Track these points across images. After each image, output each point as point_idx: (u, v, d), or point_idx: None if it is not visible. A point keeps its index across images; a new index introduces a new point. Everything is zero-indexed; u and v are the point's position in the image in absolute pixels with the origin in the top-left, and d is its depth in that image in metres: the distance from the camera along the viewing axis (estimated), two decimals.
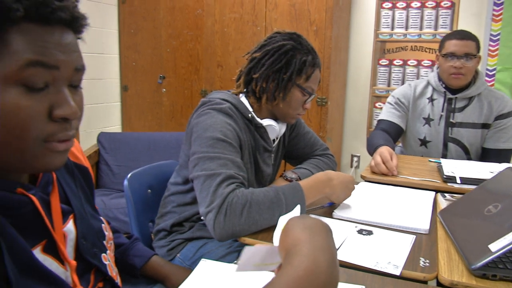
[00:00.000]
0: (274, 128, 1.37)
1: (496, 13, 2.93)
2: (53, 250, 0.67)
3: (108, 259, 0.82)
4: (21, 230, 0.61)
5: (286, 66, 1.27)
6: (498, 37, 2.94)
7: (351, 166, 3.42)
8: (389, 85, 3.19)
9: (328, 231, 0.57)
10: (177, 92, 3.36)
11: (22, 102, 0.56)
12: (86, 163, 0.89)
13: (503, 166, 1.67)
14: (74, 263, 0.70)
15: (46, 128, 0.59)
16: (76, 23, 0.63)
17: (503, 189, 1.10)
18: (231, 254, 1.21)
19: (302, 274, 0.47)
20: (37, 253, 0.64)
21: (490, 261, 0.88)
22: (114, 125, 3.59)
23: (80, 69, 0.64)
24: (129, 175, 1.42)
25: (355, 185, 1.27)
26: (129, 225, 1.42)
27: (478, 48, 1.94)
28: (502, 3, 2.90)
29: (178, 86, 3.35)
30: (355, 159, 3.39)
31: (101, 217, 0.89)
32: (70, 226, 0.73)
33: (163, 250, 1.33)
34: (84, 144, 3.01)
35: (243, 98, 1.34)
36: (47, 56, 0.57)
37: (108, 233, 0.87)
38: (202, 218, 1.12)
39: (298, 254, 0.50)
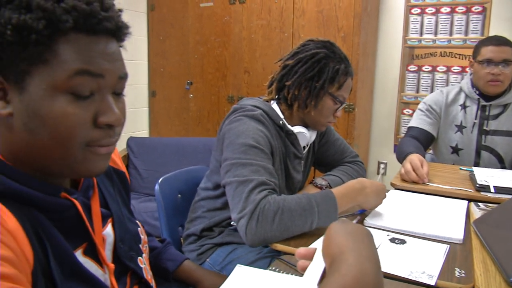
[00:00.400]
0: (304, 135, 1.37)
1: None
2: (93, 253, 0.69)
3: (144, 262, 0.84)
4: (64, 233, 0.63)
5: (318, 74, 1.27)
6: None
7: (378, 173, 3.37)
8: (417, 91, 3.14)
9: (370, 237, 0.57)
10: (204, 98, 3.40)
11: (69, 109, 0.58)
12: (123, 168, 0.91)
13: None
14: (112, 266, 0.72)
15: (90, 134, 0.61)
16: (120, 32, 0.65)
17: None
18: (261, 259, 1.21)
19: (351, 282, 0.48)
20: (79, 255, 0.66)
21: None
22: (142, 130, 3.66)
23: (123, 77, 0.66)
24: (160, 180, 1.45)
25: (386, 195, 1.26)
26: (158, 228, 1.45)
27: None
28: None
29: (205, 92, 3.38)
30: (382, 166, 3.34)
31: (137, 221, 0.91)
32: (109, 229, 0.75)
33: (193, 254, 1.34)
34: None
35: (274, 105, 1.35)
36: (93, 65, 0.59)
37: (143, 236, 0.89)
38: (233, 223, 1.13)
39: (344, 263, 0.50)
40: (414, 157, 1.65)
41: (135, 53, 3.53)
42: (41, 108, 0.57)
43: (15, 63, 0.56)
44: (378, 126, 3.34)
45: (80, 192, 0.71)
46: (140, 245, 0.85)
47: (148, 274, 0.84)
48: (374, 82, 3.30)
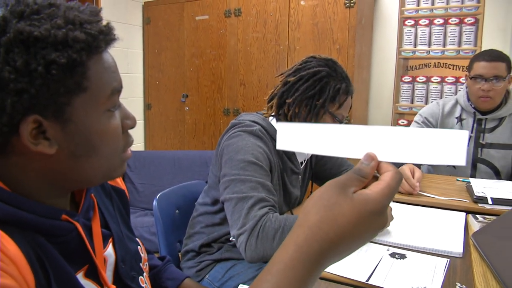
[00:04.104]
0: None
1: None
2: (94, 274, 0.68)
3: (145, 281, 0.83)
4: (65, 256, 0.62)
5: (319, 92, 1.27)
6: None
7: None
8: (412, 102, 3.17)
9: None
10: (199, 111, 3.40)
11: (112, 125, 0.63)
12: (123, 186, 0.91)
13: None
14: (113, 287, 0.71)
15: (123, 141, 0.66)
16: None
17: None
18: None
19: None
20: (80, 278, 0.65)
21: None
22: (138, 143, 3.65)
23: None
24: (158, 195, 1.44)
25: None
26: (154, 243, 1.44)
27: (509, 69, 1.89)
28: None
29: (201, 105, 3.39)
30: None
31: (137, 239, 0.90)
32: (110, 250, 0.75)
33: (191, 270, 1.33)
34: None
35: (273, 121, 1.35)
36: (118, 80, 0.64)
37: (143, 254, 0.88)
38: (232, 239, 1.12)
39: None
40: (405, 167, 1.66)
41: (130, 66, 3.54)
42: (90, 132, 0.60)
43: (53, 99, 0.55)
44: None
45: (80, 214, 0.70)
46: (141, 264, 0.85)
47: None
48: (369, 93, 3.32)
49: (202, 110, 3.38)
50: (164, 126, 3.60)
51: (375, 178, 0.49)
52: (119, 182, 0.89)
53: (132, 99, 3.60)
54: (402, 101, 3.20)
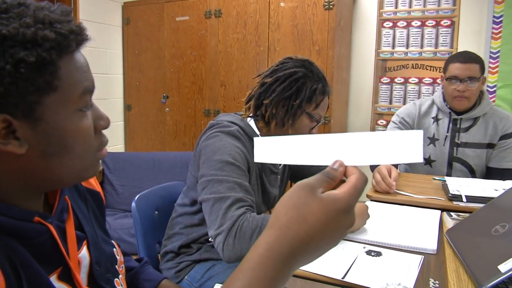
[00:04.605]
0: None
1: (496, 31, 2.97)
2: (68, 277, 0.68)
3: (120, 283, 0.82)
4: (38, 258, 0.62)
5: (296, 93, 1.28)
6: (498, 54, 2.98)
7: None
8: (391, 102, 3.22)
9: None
10: (180, 112, 3.39)
11: (83, 124, 0.62)
12: (98, 188, 0.90)
13: (508, 183, 1.68)
14: None
15: (96, 141, 0.66)
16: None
17: (510, 208, 1.10)
18: None
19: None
20: (53, 280, 0.64)
21: (500, 282, 0.88)
22: (118, 145, 3.62)
23: None
24: (136, 196, 1.43)
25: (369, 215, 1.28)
26: (134, 245, 1.43)
27: (482, 70, 1.93)
28: (501, 21, 2.94)
29: (182, 106, 3.38)
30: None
31: (113, 241, 0.89)
32: (84, 252, 0.74)
33: (170, 272, 1.33)
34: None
35: (251, 122, 1.36)
36: (90, 80, 0.63)
37: (119, 257, 0.88)
38: (211, 240, 1.12)
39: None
40: (382, 167, 1.69)
41: (110, 67, 3.50)
42: (62, 131, 0.59)
43: (23, 98, 0.55)
44: None
45: (54, 216, 0.69)
46: (116, 266, 0.84)
47: None
48: (348, 94, 3.36)
49: (183, 111, 3.37)
50: (145, 127, 3.57)
51: (342, 181, 0.52)
52: (94, 184, 0.89)
53: (112, 100, 3.56)
54: (381, 101, 3.25)
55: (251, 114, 1.35)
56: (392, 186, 1.61)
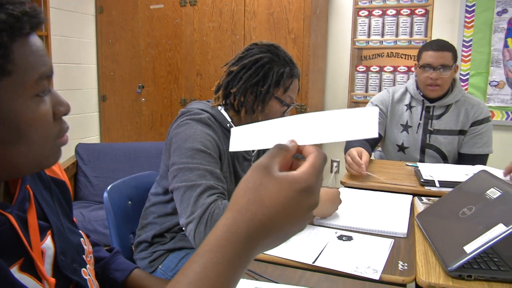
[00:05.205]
0: None
1: (468, 20, 3.02)
2: (31, 268, 0.66)
3: (88, 273, 0.81)
4: None
5: (263, 79, 1.27)
6: (470, 43, 3.03)
7: (331, 171, 3.45)
8: (366, 91, 3.24)
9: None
10: (156, 101, 3.34)
11: (40, 111, 0.60)
12: (64, 177, 0.88)
13: (478, 168, 1.71)
14: (53, 280, 0.69)
15: (55, 128, 0.64)
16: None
17: (477, 191, 1.13)
18: None
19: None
20: (14, 272, 0.63)
21: (466, 262, 0.91)
22: (93, 136, 3.55)
23: None
24: (108, 187, 1.41)
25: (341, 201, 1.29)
26: (109, 237, 1.41)
27: (455, 58, 1.96)
28: (473, 10, 2.99)
29: (157, 95, 3.33)
30: (335, 164, 3.42)
31: (80, 231, 0.88)
32: (48, 242, 0.72)
33: (144, 262, 1.32)
34: (61, 156, 2.94)
35: (222, 110, 1.35)
36: (47, 65, 0.61)
37: (87, 247, 0.86)
38: (183, 229, 1.11)
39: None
40: (352, 150, 1.74)
41: (83, 57, 3.42)
42: (17, 117, 0.57)
43: None
44: None
45: (14, 205, 0.68)
46: (84, 256, 0.83)
47: (93, 286, 0.82)
48: (325, 82, 3.37)
49: (159, 101, 3.33)
50: (120, 118, 3.52)
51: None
52: (60, 173, 0.87)
53: (86, 90, 3.48)
54: (357, 90, 3.27)
55: (221, 104, 1.34)
56: (362, 166, 1.63)
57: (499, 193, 1.05)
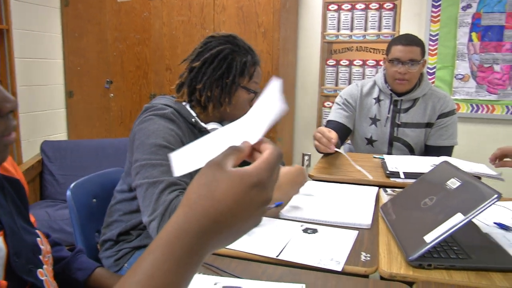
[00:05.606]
0: None
1: (435, 14, 3.08)
2: None
3: (45, 274, 0.78)
4: None
5: (227, 70, 1.27)
6: (437, 37, 3.10)
7: (303, 165, 3.48)
8: (336, 84, 3.27)
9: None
10: (125, 97, 3.28)
11: None
12: (18, 175, 0.85)
13: (442, 159, 1.75)
14: (4, 283, 0.67)
15: (2, 125, 0.62)
16: None
17: (438, 182, 1.15)
18: None
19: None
20: None
21: (426, 251, 0.93)
22: (60, 133, 3.45)
23: None
24: (72, 185, 1.38)
25: (306, 178, 1.29)
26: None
27: (423, 52, 1.99)
28: (439, 5, 3.06)
29: (127, 91, 3.27)
30: (306, 157, 3.45)
31: (37, 231, 0.85)
32: (0, 243, 0.70)
33: (110, 260, 1.29)
34: (26, 154, 2.87)
35: (187, 106, 1.33)
36: None
37: (44, 246, 0.84)
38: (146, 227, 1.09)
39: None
40: (322, 127, 1.76)
41: (49, 52, 3.32)
42: None
43: None
44: (301, 119, 3.44)
45: None
46: (40, 256, 0.80)
47: (50, 286, 0.79)
48: (296, 76, 3.39)
49: (128, 96, 3.27)
50: (88, 114, 3.43)
51: None
52: (13, 172, 0.84)
53: (52, 86, 3.38)
54: (327, 84, 3.30)
55: (186, 101, 1.33)
56: (331, 140, 1.64)
57: (459, 183, 1.07)
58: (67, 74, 3.46)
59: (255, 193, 0.47)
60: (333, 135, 1.70)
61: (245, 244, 0.98)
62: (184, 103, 1.33)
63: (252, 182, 0.46)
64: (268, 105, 0.53)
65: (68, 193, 1.35)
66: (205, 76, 1.27)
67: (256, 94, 1.36)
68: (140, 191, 1.08)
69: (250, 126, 0.54)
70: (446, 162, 1.27)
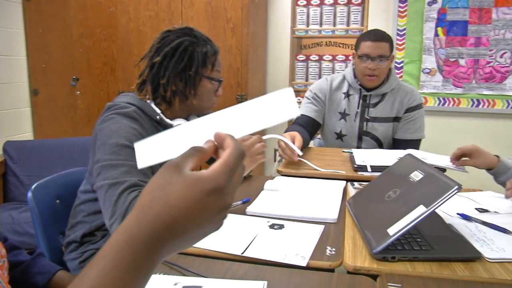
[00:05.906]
0: None
1: (402, 10, 3.13)
2: None
3: None
4: None
5: (189, 62, 1.27)
6: (404, 31, 3.15)
7: (275, 161, 3.47)
8: (307, 79, 3.29)
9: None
10: (92, 95, 3.20)
11: None
12: None
13: (409, 152, 1.78)
14: None
15: None
16: None
17: (402, 174, 1.17)
18: None
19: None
20: None
21: (389, 244, 0.94)
22: (24, 133, 3.34)
23: None
24: (33, 186, 1.33)
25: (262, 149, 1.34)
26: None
27: (391, 48, 2.02)
28: (406, 0, 3.11)
29: (94, 88, 3.19)
30: (278, 153, 3.45)
31: None
32: None
33: (74, 262, 1.26)
34: None
35: (152, 104, 1.31)
36: None
37: None
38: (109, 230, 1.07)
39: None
40: (286, 135, 1.74)
41: (10, 48, 3.20)
42: None
43: None
44: None
45: None
46: None
47: None
48: (266, 72, 3.38)
49: (95, 94, 3.19)
50: (54, 113, 3.33)
51: None
52: None
53: (15, 84, 3.26)
54: (297, 79, 3.31)
55: (150, 98, 1.31)
56: (294, 151, 1.64)
57: (421, 175, 1.09)
58: (31, 72, 3.35)
59: (212, 199, 0.44)
60: (296, 143, 1.69)
61: (209, 241, 0.97)
62: (148, 101, 1.30)
63: (208, 188, 0.44)
64: (275, 108, 0.50)
65: (29, 194, 1.31)
66: (168, 70, 1.25)
67: (220, 82, 1.35)
68: (101, 193, 1.05)
69: (237, 120, 0.51)
70: (410, 154, 1.29)
